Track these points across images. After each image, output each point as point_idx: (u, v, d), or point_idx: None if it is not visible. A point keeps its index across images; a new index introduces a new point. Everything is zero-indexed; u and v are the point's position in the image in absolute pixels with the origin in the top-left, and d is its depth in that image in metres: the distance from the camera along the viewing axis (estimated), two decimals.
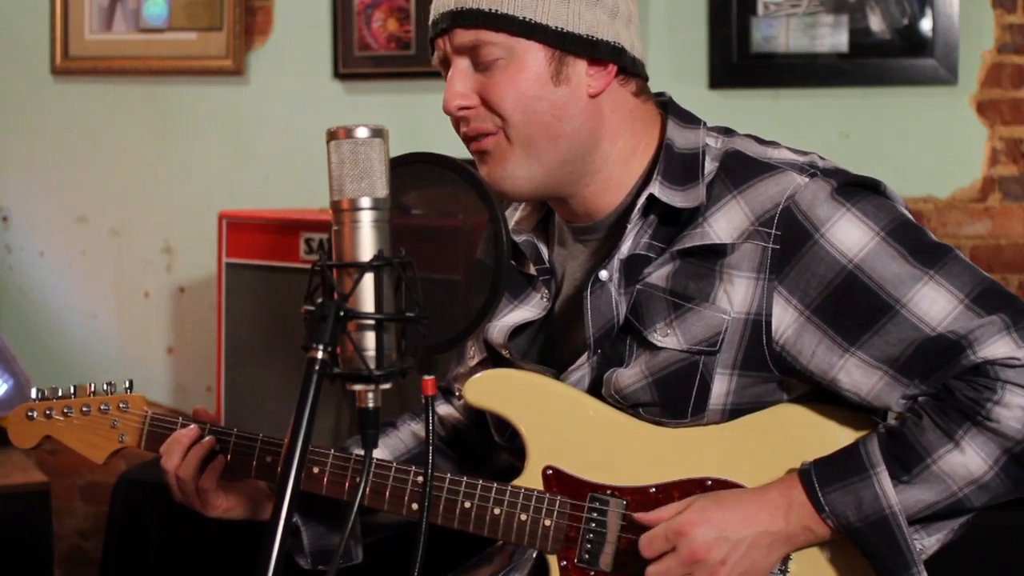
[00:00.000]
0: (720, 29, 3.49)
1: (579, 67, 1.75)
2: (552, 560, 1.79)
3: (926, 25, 3.38)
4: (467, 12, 1.72)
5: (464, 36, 1.73)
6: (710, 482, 1.76)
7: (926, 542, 1.73)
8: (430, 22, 1.78)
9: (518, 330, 1.89)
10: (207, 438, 1.91)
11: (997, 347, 1.65)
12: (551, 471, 1.81)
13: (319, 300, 1.38)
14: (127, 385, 1.99)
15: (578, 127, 1.75)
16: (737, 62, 3.50)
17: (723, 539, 1.69)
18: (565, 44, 1.73)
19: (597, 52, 1.74)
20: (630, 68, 1.78)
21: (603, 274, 1.78)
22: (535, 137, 1.74)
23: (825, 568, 1.75)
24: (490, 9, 1.71)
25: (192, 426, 1.93)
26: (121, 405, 1.98)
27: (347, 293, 1.38)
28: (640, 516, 1.75)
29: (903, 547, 1.67)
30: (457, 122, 1.78)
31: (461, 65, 1.75)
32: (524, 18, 1.71)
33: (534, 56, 1.73)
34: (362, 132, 1.41)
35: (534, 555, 1.84)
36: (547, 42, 1.72)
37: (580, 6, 1.73)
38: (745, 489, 1.75)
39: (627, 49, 1.77)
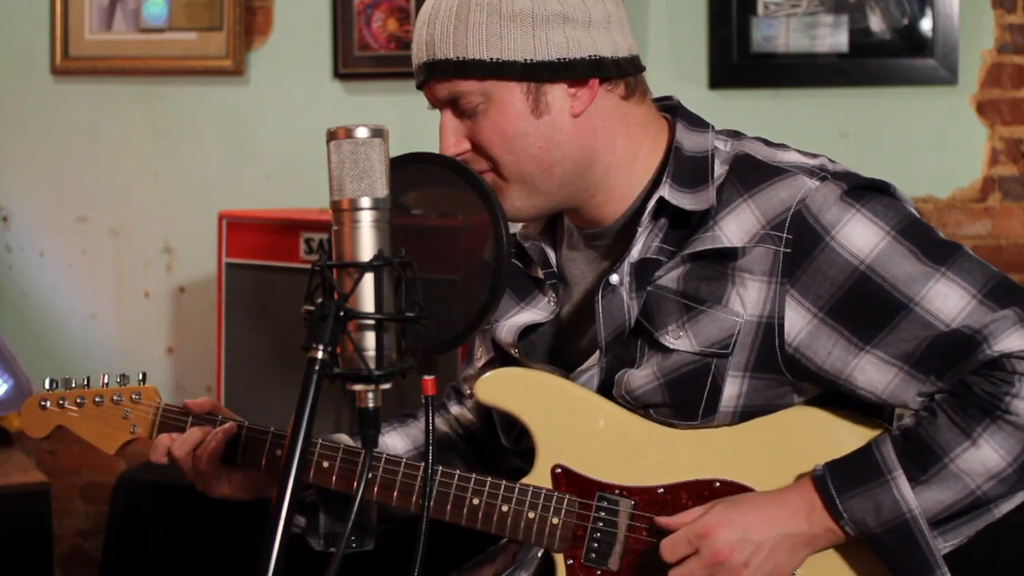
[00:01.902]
0: (720, 29, 3.49)
1: (558, 91, 1.73)
2: (559, 559, 1.79)
3: (926, 25, 3.38)
4: (438, 64, 1.72)
5: (441, 90, 1.74)
6: (719, 483, 1.76)
7: (940, 547, 1.71)
8: (413, 68, 1.78)
9: (525, 331, 1.89)
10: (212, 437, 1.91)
11: (1012, 340, 1.65)
12: (560, 469, 1.81)
13: (319, 300, 1.38)
14: (140, 377, 2.00)
15: (569, 150, 1.75)
16: (737, 62, 3.50)
17: (746, 540, 1.68)
18: (538, 75, 1.71)
19: (573, 72, 1.72)
20: (614, 73, 1.75)
21: (614, 278, 1.78)
22: (528, 172, 1.74)
23: (838, 567, 1.74)
24: (458, 57, 1.70)
25: (195, 429, 1.92)
26: (134, 396, 1.98)
27: (347, 293, 1.38)
28: (661, 520, 1.74)
29: (925, 550, 1.67)
30: None
31: (448, 114, 1.76)
32: (492, 59, 1.70)
33: (510, 94, 1.72)
34: (362, 132, 1.41)
35: (540, 554, 1.84)
36: (519, 77, 1.71)
37: (547, 31, 1.70)
38: (765, 492, 1.74)
39: (608, 56, 1.74)
